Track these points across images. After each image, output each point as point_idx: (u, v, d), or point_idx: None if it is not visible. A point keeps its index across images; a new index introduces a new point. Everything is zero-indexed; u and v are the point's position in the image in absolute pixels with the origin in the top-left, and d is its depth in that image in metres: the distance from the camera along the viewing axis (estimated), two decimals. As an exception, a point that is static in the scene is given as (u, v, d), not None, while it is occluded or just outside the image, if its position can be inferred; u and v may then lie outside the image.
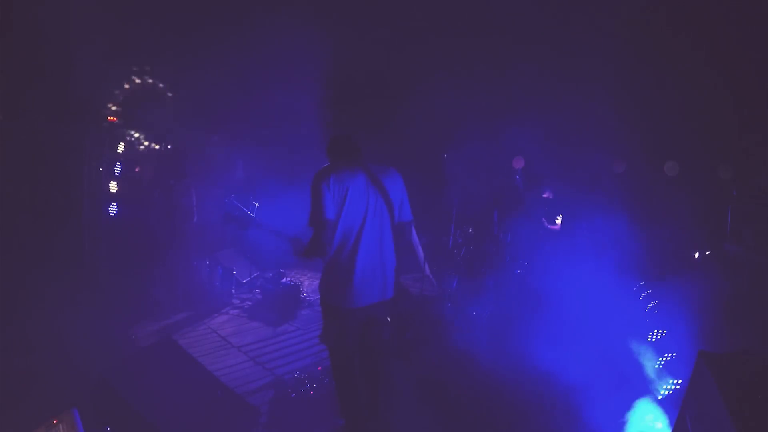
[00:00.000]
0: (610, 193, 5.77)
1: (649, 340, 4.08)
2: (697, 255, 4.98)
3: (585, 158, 6.06)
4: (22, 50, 4.60)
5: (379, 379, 2.84)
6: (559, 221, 5.95)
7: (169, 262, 5.43)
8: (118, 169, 5.78)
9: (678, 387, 3.39)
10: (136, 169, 6.02)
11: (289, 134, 6.64)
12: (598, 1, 5.00)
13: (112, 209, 5.74)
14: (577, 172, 6.11)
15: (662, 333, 4.13)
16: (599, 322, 4.23)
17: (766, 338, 3.40)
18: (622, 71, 5.31)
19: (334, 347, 2.68)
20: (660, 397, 3.43)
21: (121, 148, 5.78)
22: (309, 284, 6.62)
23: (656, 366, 3.72)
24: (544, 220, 6.00)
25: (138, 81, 5.84)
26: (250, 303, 5.84)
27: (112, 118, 5.67)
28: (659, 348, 3.93)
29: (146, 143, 6.21)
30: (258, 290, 5.99)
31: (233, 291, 6.06)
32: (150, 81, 5.99)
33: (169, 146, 6.24)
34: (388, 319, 2.76)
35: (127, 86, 5.75)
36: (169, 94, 6.17)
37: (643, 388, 3.52)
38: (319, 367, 3.82)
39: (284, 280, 5.83)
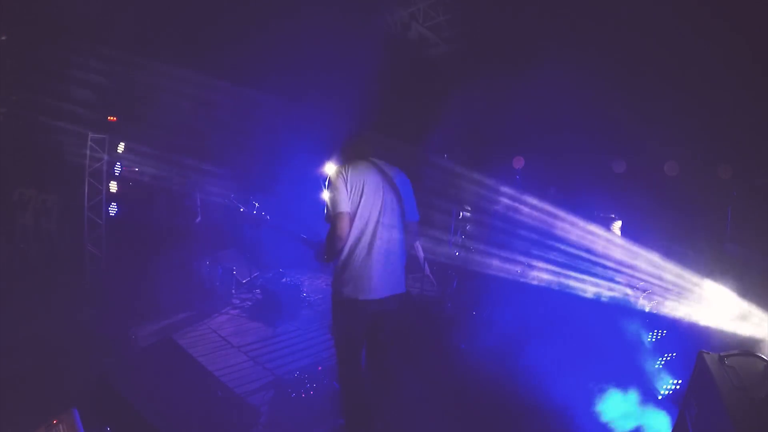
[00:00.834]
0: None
1: (649, 340, 4.08)
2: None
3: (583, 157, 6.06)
4: (22, 49, 4.60)
5: (388, 376, 2.87)
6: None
7: (171, 263, 5.41)
8: (118, 169, 5.77)
9: (678, 387, 3.40)
10: (136, 169, 5.99)
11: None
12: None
13: (112, 209, 5.73)
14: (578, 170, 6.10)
15: (662, 333, 4.13)
16: (599, 322, 4.23)
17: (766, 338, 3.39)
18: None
19: (344, 340, 2.70)
20: (660, 397, 3.43)
21: (121, 148, 5.77)
22: (309, 284, 6.62)
23: (656, 366, 3.72)
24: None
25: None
26: (250, 303, 5.84)
27: (112, 118, 5.66)
28: (659, 348, 3.93)
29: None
30: (258, 290, 5.99)
31: (233, 291, 6.06)
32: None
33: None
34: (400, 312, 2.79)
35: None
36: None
37: (643, 388, 3.52)
38: (320, 367, 3.82)
39: (284, 280, 5.83)
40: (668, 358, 3.73)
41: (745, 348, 2.39)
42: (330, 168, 2.71)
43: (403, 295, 2.77)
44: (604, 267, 4.86)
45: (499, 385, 3.55)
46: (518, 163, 6.68)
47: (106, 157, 5.67)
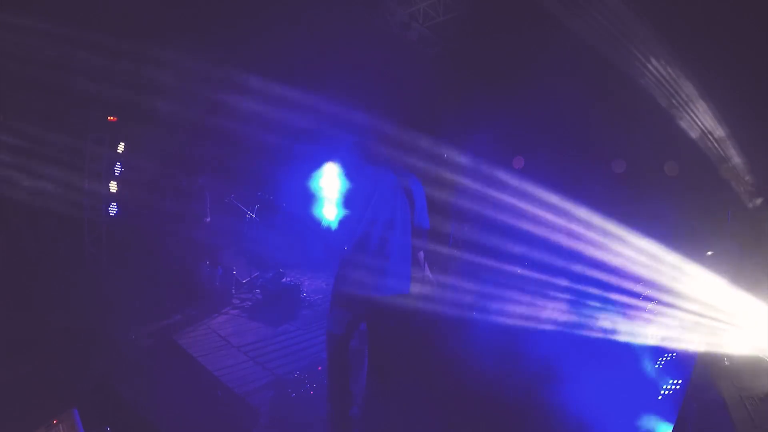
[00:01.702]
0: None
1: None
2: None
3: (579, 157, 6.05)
4: (22, 49, 4.60)
5: (384, 370, 2.91)
6: None
7: (173, 263, 5.39)
8: (118, 169, 5.76)
9: (678, 387, 3.39)
10: (139, 167, 5.94)
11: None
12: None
13: (112, 209, 5.73)
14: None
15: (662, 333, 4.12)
16: (598, 322, 4.23)
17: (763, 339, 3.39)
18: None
19: (334, 331, 2.77)
20: (660, 397, 3.43)
21: (121, 148, 5.77)
22: (309, 284, 6.62)
23: (656, 366, 3.72)
24: None
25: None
26: (250, 303, 5.84)
27: (112, 118, 5.66)
28: (659, 348, 3.93)
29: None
30: (258, 290, 5.98)
31: (233, 291, 6.06)
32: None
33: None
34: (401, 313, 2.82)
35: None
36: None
37: (643, 388, 3.52)
38: (319, 367, 3.82)
39: (284, 280, 5.83)
40: (668, 358, 3.73)
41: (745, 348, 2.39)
42: (337, 169, 2.76)
43: (406, 296, 2.78)
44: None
45: (499, 384, 3.55)
46: (518, 163, 6.66)
47: (106, 156, 5.66)
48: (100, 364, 3.35)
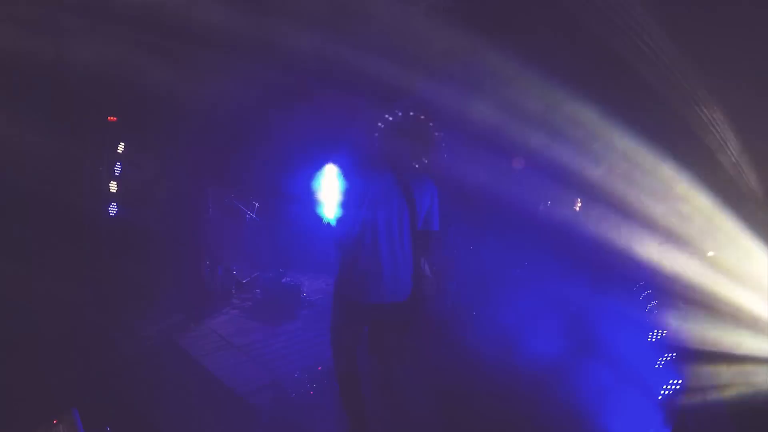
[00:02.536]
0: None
1: (649, 340, 4.08)
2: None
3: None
4: (21, 49, 4.59)
5: (390, 380, 2.86)
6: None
7: (173, 263, 5.36)
8: (118, 169, 5.76)
9: (678, 387, 3.39)
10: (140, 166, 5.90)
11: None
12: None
13: (112, 209, 5.73)
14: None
15: (662, 333, 4.13)
16: (599, 322, 4.23)
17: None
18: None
19: (337, 337, 2.81)
20: (660, 397, 3.43)
21: (121, 148, 5.76)
22: (309, 284, 6.62)
23: (656, 366, 3.72)
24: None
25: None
26: (250, 303, 5.84)
27: (112, 118, 5.65)
28: (659, 348, 3.93)
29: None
30: (258, 290, 5.98)
31: (233, 291, 6.06)
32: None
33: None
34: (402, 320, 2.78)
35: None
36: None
37: (642, 388, 3.52)
38: (320, 367, 3.83)
39: (284, 280, 5.83)
40: (668, 358, 3.73)
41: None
42: (336, 167, 2.70)
43: (407, 302, 2.68)
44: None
45: (499, 384, 3.55)
46: (518, 163, 6.62)
47: (106, 157, 5.66)
48: (100, 364, 3.35)
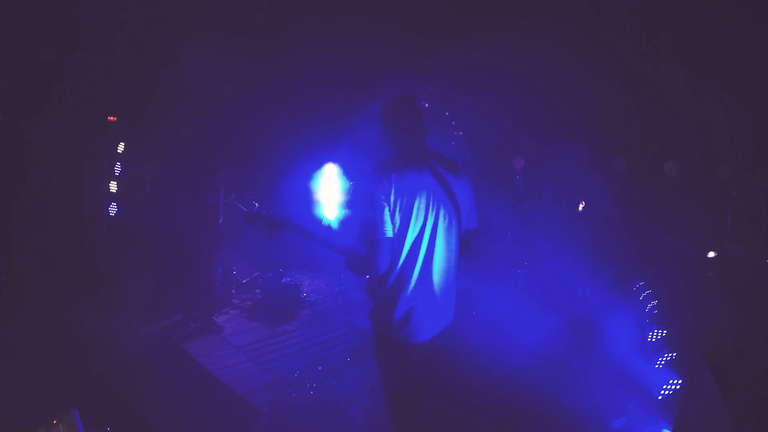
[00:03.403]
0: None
1: (649, 340, 4.08)
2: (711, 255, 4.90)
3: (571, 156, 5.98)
4: (22, 49, 4.60)
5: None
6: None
7: (175, 264, 5.32)
8: (118, 169, 5.76)
9: (678, 387, 3.40)
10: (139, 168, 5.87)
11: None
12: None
13: (112, 209, 5.73)
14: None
15: (662, 333, 4.13)
16: (599, 322, 4.23)
17: (766, 338, 3.39)
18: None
19: (398, 392, 2.18)
20: (660, 397, 3.43)
21: (121, 148, 5.76)
22: (309, 284, 6.62)
23: (656, 366, 3.72)
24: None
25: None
26: (250, 303, 5.84)
27: (112, 118, 5.65)
28: (659, 348, 3.93)
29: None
30: (258, 290, 5.99)
31: (233, 291, 6.06)
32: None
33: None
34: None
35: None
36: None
37: (642, 388, 3.52)
38: (319, 367, 3.82)
39: (284, 280, 5.83)
40: (668, 358, 3.73)
41: (745, 348, 2.39)
42: (370, 174, 2.05)
43: (452, 326, 2.26)
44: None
45: (499, 384, 3.54)
46: (518, 163, 6.62)
47: (106, 157, 5.66)
48: (100, 364, 3.35)
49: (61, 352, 3.79)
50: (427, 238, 2.06)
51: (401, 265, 2.05)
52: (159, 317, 5.12)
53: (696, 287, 4.42)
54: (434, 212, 2.06)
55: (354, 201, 2.18)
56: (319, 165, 5.27)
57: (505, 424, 3.21)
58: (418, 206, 2.02)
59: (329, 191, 5.29)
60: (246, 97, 6.29)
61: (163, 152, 5.64)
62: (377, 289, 2.12)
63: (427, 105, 6.04)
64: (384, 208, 1.97)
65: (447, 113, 6.37)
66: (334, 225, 5.82)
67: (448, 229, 2.12)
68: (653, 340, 4.09)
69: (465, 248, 2.26)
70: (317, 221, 2.50)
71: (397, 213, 1.99)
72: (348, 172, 5.36)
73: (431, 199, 2.06)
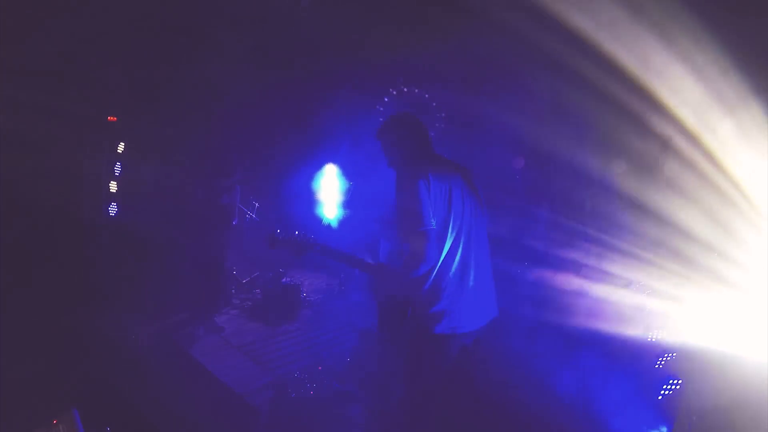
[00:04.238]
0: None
1: (649, 340, 4.07)
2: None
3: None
4: (22, 49, 4.60)
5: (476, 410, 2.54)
6: None
7: (176, 264, 5.31)
8: (118, 169, 5.76)
9: (678, 387, 3.39)
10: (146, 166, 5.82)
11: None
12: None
13: (112, 209, 5.73)
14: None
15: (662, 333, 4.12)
16: (599, 321, 4.23)
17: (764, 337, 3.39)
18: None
19: (426, 382, 2.20)
20: (660, 397, 3.43)
21: (121, 148, 5.76)
22: (309, 284, 6.62)
23: (656, 366, 3.72)
24: None
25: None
26: (250, 303, 5.84)
27: (112, 117, 5.65)
28: (659, 348, 3.92)
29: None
30: (258, 290, 5.98)
31: (233, 291, 6.06)
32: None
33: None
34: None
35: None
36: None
37: (642, 388, 3.52)
38: (319, 367, 3.82)
39: (284, 280, 5.82)
40: (668, 358, 3.72)
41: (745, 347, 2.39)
42: (404, 170, 2.16)
43: (497, 319, 2.32)
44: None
45: (501, 384, 3.55)
46: (518, 163, 6.60)
47: (106, 157, 5.66)
48: (100, 364, 3.35)
49: (61, 352, 3.79)
50: (465, 231, 2.13)
51: (446, 258, 2.08)
52: (159, 317, 5.12)
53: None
54: (467, 206, 2.16)
55: (396, 195, 2.11)
56: (319, 165, 5.29)
57: (505, 423, 3.22)
58: (454, 201, 2.09)
59: (329, 191, 5.30)
60: (253, 98, 6.27)
61: (168, 152, 5.64)
62: (419, 283, 2.10)
63: (405, 89, 5.93)
64: (426, 201, 2.00)
65: (426, 95, 6.24)
66: (334, 224, 5.81)
67: (480, 223, 2.23)
68: (653, 340, 4.08)
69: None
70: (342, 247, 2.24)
71: (439, 207, 2.05)
72: (348, 172, 5.37)
73: (463, 194, 2.16)
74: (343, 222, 5.78)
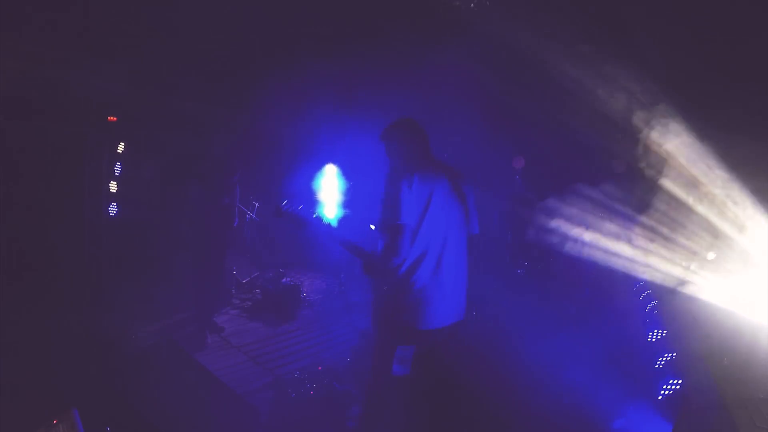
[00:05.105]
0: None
1: (649, 340, 4.08)
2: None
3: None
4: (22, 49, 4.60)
5: (448, 409, 2.58)
6: None
7: (176, 264, 5.29)
8: (118, 169, 5.76)
9: (678, 387, 3.40)
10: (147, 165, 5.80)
11: None
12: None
13: (112, 209, 5.73)
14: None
15: (662, 333, 4.12)
16: (599, 321, 4.23)
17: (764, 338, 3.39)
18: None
19: (385, 371, 2.30)
20: (660, 397, 3.43)
21: (121, 148, 5.76)
22: (309, 284, 6.62)
23: (656, 366, 3.72)
24: None
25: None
26: (250, 303, 5.84)
27: (112, 118, 5.65)
28: (659, 348, 3.93)
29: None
30: (258, 290, 5.99)
31: (233, 291, 6.06)
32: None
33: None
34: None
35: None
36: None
37: (642, 388, 3.52)
38: (319, 367, 3.82)
39: (284, 280, 5.83)
40: (668, 358, 3.73)
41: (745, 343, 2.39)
42: (392, 169, 2.31)
43: (462, 323, 2.40)
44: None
45: (500, 384, 3.55)
46: (518, 163, 6.59)
47: (106, 157, 5.66)
48: (100, 364, 3.35)
49: (61, 352, 3.79)
50: (442, 233, 2.23)
51: (418, 255, 2.19)
52: (159, 317, 5.12)
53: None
54: (449, 211, 2.26)
55: (382, 193, 2.27)
56: (319, 165, 5.28)
57: (505, 423, 3.22)
58: (436, 202, 2.19)
59: (329, 191, 5.30)
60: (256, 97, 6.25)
61: (169, 152, 5.63)
62: (392, 277, 2.23)
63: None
64: (406, 198, 2.13)
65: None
66: (334, 224, 5.80)
67: (460, 227, 2.32)
68: (653, 340, 4.08)
69: (470, 252, 2.42)
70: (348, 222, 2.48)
71: (417, 205, 2.16)
72: (347, 172, 5.36)
73: (446, 198, 2.25)
74: (343, 221, 5.78)
